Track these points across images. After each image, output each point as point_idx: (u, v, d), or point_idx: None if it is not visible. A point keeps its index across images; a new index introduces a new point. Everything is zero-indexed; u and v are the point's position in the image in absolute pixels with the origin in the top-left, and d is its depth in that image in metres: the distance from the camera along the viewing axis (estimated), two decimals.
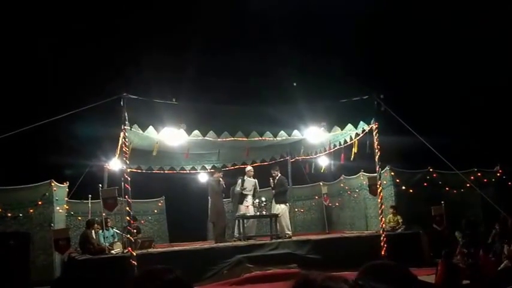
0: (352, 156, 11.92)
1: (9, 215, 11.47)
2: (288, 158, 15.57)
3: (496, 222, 10.90)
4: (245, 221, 12.82)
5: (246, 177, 13.33)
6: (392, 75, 17.68)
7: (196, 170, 15.36)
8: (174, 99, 9.93)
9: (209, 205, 12.92)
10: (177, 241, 14.33)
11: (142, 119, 9.64)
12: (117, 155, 12.51)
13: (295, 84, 18.09)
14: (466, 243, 9.72)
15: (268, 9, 17.33)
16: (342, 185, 16.29)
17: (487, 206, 12.21)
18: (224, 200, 13.74)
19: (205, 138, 10.61)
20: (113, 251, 11.22)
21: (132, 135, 10.17)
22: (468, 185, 13.13)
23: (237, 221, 12.65)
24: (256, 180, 13.34)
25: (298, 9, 18.42)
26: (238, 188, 13.26)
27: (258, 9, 16.97)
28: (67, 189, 13.20)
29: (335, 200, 16.48)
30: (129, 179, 9.57)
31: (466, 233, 10.22)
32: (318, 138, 12.51)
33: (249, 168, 13.65)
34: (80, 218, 14.00)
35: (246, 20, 18.20)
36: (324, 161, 14.38)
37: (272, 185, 13.13)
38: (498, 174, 14.39)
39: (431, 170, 13.76)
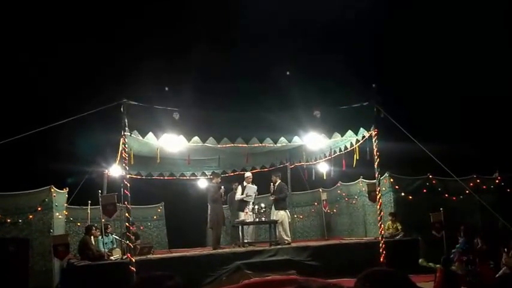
0: (354, 163, 11.92)
1: (8, 220, 11.44)
2: (287, 164, 15.59)
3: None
4: (245, 227, 12.85)
5: (246, 184, 13.35)
6: (392, 82, 17.72)
7: (196, 176, 15.38)
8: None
9: (208, 211, 12.93)
10: (176, 247, 14.30)
11: (142, 125, 9.66)
12: (117, 161, 12.52)
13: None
14: (464, 250, 9.73)
15: (267, 15, 17.39)
16: (339, 191, 16.30)
17: (486, 212, 12.21)
18: (224, 206, 13.75)
19: (205, 144, 10.63)
20: (112, 257, 11.20)
21: (131, 141, 10.18)
22: (467, 191, 13.14)
23: (240, 227, 12.66)
24: (256, 187, 13.36)
25: (299, 14, 18.51)
26: (239, 195, 13.30)
27: (257, 15, 17.02)
28: (66, 195, 13.18)
29: (333, 207, 16.48)
30: (128, 185, 9.57)
31: (465, 240, 10.24)
32: (318, 144, 12.54)
33: (248, 174, 13.67)
34: (79, 224, 13.98)
35: (245, 26, 18.24)
36: (324, 167, 14.39)
37: (271, 191, 13.14)
38: (497, 181, 14.40)
39: (430, 176, 13.76)
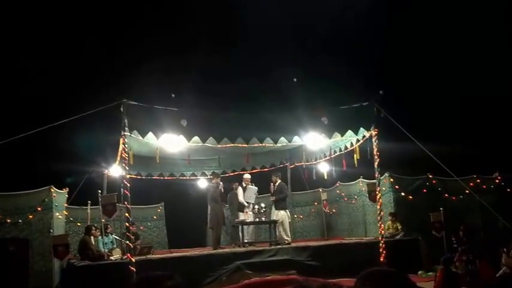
0: (356, 163, 11.92)
1: (8, 220, 11.45)
2: (287, 164, 15.58)
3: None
4: (245, 227, 12.85)
5: (245, 185, 13.34)
6: (392, 82, 17.72)
7: (196, 176, 15.38)
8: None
9: (208, 211, 12.93)
10: (176, 247, 14.29)
11: (142, 125, 9.65)
12: (117, 161, 12.52)
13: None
14: (465, 250, 9.73)
15: (268, 15, 17.39)
16: (338, 191, 16.29)
17: (486, 212, 12.22)
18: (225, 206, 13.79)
19: (205, 144, 10.62)
20: (112, 257, 11.20)
21: (131, 141, 10.17)
22: (467, 191, 13.14)
23: (240, 227, 12.66)
24: (256, 188, 13.36)
25: (300, 15, 18.52)
26: (241, 198, 13.30)
27: (258, 15, 17.02)
28: (66, 195, 13.20)
29: (332, 207, 16.48)
30: (128, 185, 9.56)
31: (464, 240, 10.25)
32: (318, 144, 12.53)
33: (246, 176, 13.66)
34: (79, 224, 13.98)
35: (246, 26, 18.25)
36: (324, 167, 14.38)
37: (272, 191, 13.13)
38: (497, 181, 14.40)
39: (430, 176, 13.77)
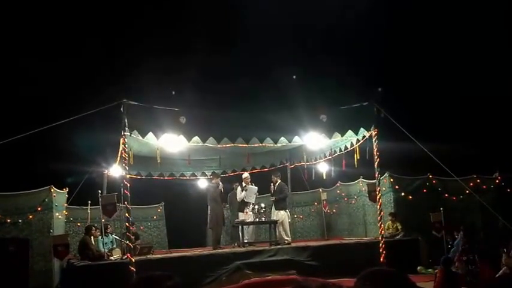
0: (356, 163, 11.90)
1: (8, 220, 11.45)
2: (287, 164, 15.57)
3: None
4: (245, 227, 12.84)
5: (244, 184, 13.33)
6: (392, 82, 17.73)
7: (196, 176, 15.37)
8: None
9: (208, 211, 12.93)
10: (176, 247, 14.29)
11: (142, 125, 9.65)
12: (117, 161, 12.52)
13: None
14: (465, 249, 9.73)
15: (269, 15, 17.39)
16: (338, 191, 16.29)
17: (486, 212, 12.22)
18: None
19: (205, 144, 10.61)
20: (111, 257, 11.20)
21: (131, 141, 10.16)
22: (467, 191, 13.14)
23: (240, 227, 12.65)
24: (256, 188, 13.35)
25: (300, 15, 18.52)
26: (242, 196, 13.25)
27: (258, 15, 17.02)
28: (66, 195, 13.20)
29: (332, 207, 16.48)
30: (128, 185, 9.56)
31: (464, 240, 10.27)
32: (318, 144, 12.53)
33: (245, 175, 13.63)
34: (79, 224, 13.99)
35: (246, 26, 18.25)
36: (324, 167, 14.38)
37: (272, 192, 13.13)
38: (497, 181, 14.41)
39: (430, 176, 13.77)
